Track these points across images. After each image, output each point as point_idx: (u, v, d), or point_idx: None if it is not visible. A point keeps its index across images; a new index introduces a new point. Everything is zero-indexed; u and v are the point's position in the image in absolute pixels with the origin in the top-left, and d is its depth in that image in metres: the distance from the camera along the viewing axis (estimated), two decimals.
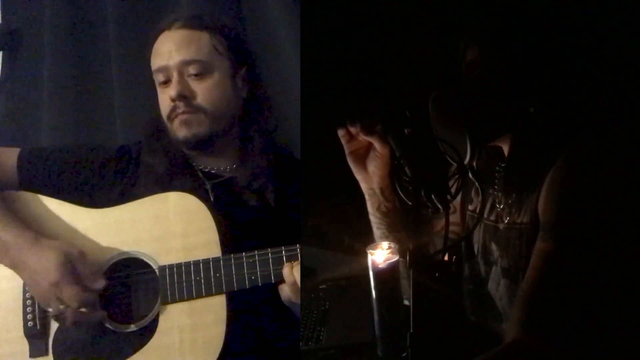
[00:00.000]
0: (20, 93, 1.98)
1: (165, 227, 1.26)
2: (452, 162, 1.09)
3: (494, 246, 1.16)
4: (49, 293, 1.20)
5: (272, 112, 1.42)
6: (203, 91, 1.32)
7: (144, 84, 1.78)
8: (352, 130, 1.19)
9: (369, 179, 1.23)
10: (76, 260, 1.22)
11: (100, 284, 1.23)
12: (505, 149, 1.14)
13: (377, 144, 1.17)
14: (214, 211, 1.26)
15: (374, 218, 1.27)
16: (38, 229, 1.28)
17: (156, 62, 1.35)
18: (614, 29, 1.20)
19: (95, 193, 1.34)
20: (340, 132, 1.21)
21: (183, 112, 1.31)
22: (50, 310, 1.22)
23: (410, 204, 1.09)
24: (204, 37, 1.34)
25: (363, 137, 1.18)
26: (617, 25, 1.21)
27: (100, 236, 1.28)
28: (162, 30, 1.36)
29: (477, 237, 1.21)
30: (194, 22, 1.35)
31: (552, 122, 1.08)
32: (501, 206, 1.15)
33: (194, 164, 1.38)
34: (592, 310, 0.95)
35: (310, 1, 1.42)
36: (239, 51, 1.38)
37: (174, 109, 1.32)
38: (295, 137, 1.47)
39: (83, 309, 1.21)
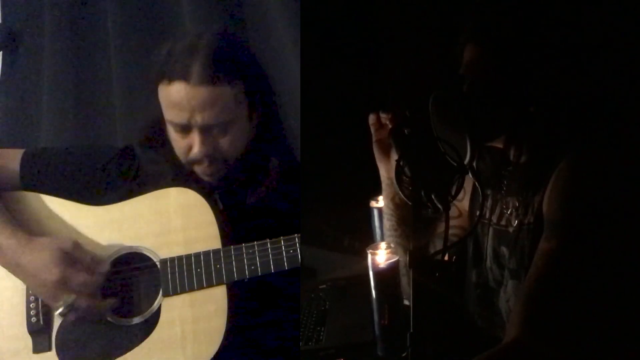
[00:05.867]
0: (20, 93, 1.98)
1: (166, 222, 1.28)
2: (452, 162, 1.08)
3: (504, 250, 1.17)
4: (56, 289, 1.21)
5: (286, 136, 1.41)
6: (226, 143, 1.26)
7: (144, 84, 1.79)
8: (383, 118, 1.21)
9: (389, 170, 1.24)
10: (73, 251, 1.23)
11: (104, 266, 1.25)
12: (509, 152, 1.14)
13: None
14: (213, 205, 1.27)
15: (386, 209, 1.28)
16: (39, 228, 1.29)
17: (173, 114, 1.24)
18: (617, 24, 1.20)
19: (99, 195, 1.34)
20: (372, 119, 1.23)
21: (207, 166, 1.28)
22: (60, 306, 1.21)
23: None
24: (225, 92, 1.22)
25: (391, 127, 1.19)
26: (621, 21, 1.21)
27: (103, 233, 1.29)
28: (175, 78, 1.21)
29: (487, 242, 1.20)
30: (215, 76, 1.21)
31: (556, 122, 1.08)
32: (509, 210, 1.16)
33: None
34: (593, 311, 0.95)
35: (310, 1, 1.42)
36: (255, 79, 1.30)
37: (196, 161, 1.27)
38: (296, 138, 1.47)
39: (93, 298, 1.22)
